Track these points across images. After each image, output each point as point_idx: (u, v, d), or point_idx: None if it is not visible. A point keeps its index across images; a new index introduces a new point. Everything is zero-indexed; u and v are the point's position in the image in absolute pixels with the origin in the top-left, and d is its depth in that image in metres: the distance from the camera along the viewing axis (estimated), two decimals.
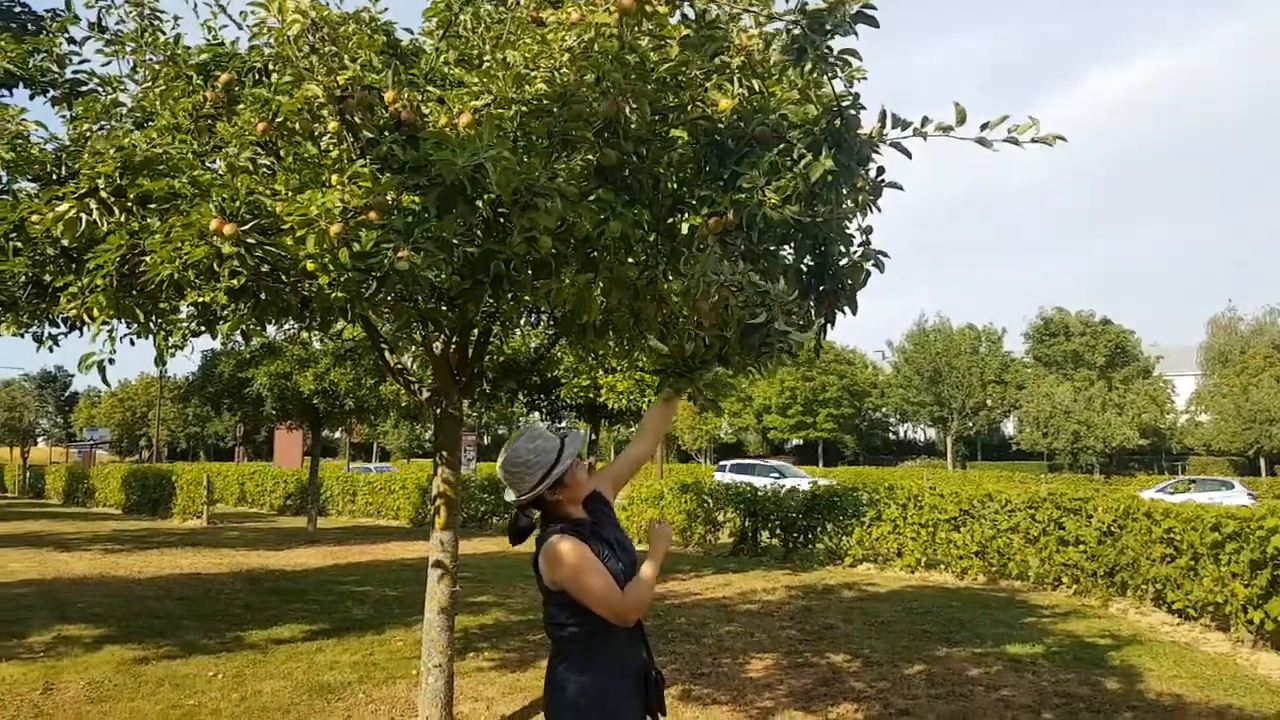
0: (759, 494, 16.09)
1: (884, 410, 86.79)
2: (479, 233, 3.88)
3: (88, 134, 5.08)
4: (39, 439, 63.68)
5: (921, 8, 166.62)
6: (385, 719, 6.08)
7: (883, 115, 3.68)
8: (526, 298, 5.07)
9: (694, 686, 6.96)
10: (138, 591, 11.63)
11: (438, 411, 6.17)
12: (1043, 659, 7.86)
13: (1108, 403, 60.64)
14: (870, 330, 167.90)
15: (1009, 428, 79.72)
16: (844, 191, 3.74)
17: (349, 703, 6.51)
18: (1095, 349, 69.29)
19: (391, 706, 6.39)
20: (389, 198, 3.61)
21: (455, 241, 3.58)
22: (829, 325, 4.20)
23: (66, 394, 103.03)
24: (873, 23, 3.31)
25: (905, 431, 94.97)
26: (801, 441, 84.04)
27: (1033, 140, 3.47)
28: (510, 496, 3.18)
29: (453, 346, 6.23)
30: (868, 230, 4.23)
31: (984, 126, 3.55)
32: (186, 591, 11.68)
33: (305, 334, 8.37)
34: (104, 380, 4.51)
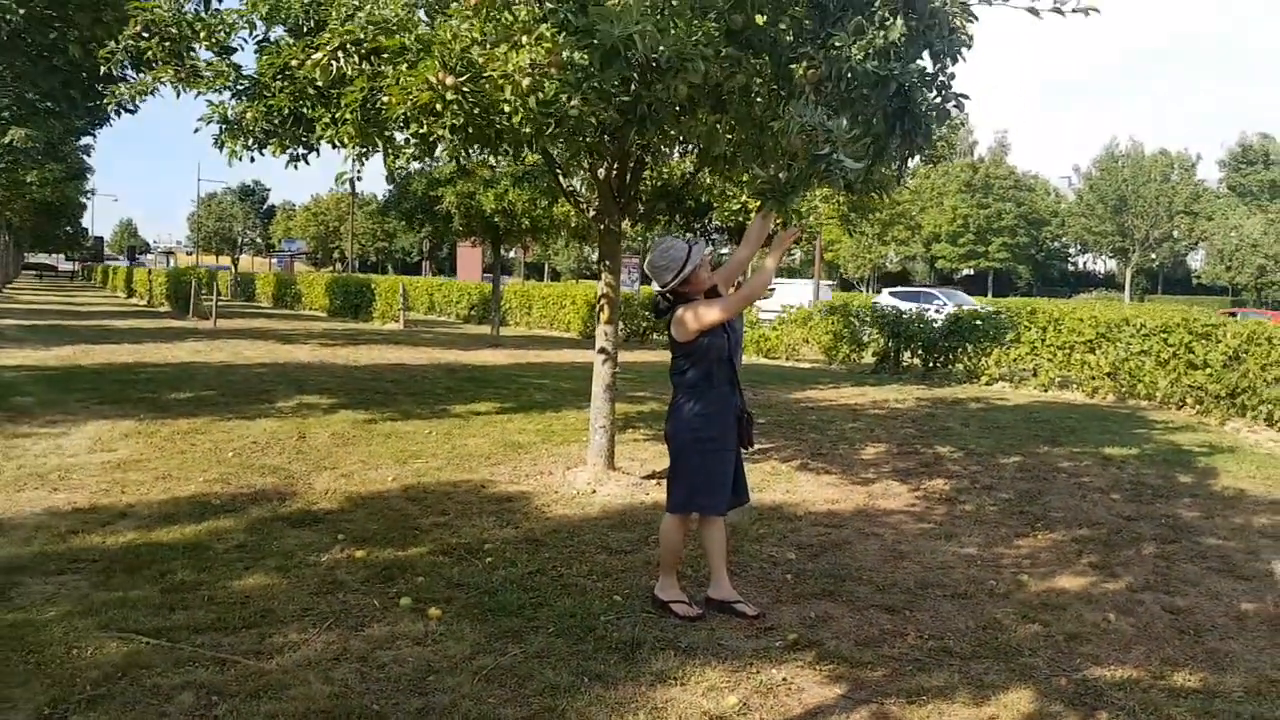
0: (903, 315, 16.96)
1: (1063, 240, 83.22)
2: (634, 85, 5.01)
3: None
4: (243, 249, 69.47)
5: None
6: (562, 466, 7.72)
7: None
8: (672, 133, 6.22)
9: (811, 462, 8.31)
10: (356, 375, 13.88)
11: (601, 228, 7.46)
12: (1133, 459, 8.79)
13: None
14: (1060, 155, 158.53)
15: (1195, 261, 75.31)
16: (922, 49, 4.65)
17: (534, 455, 8.22)
18: None
19: (566, 458, 8.04)
20: (565, 55, 4.78)
21: (612, 91, 4.74)
22: (911, 156, 5.19)
23: (265, 207, 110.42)
24: None
25: (1084, 263, 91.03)
26: (971, 271, 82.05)
27: (1073, 10, 4.29)
28: (655, 287, 4.51)
29: (614, 172, 7.45)
30: (951, 77, 5.14)
31: None
32: (396, 376, 13.87)
33: (493, 158, 9.75)
34: (352, 191, 6.10)
